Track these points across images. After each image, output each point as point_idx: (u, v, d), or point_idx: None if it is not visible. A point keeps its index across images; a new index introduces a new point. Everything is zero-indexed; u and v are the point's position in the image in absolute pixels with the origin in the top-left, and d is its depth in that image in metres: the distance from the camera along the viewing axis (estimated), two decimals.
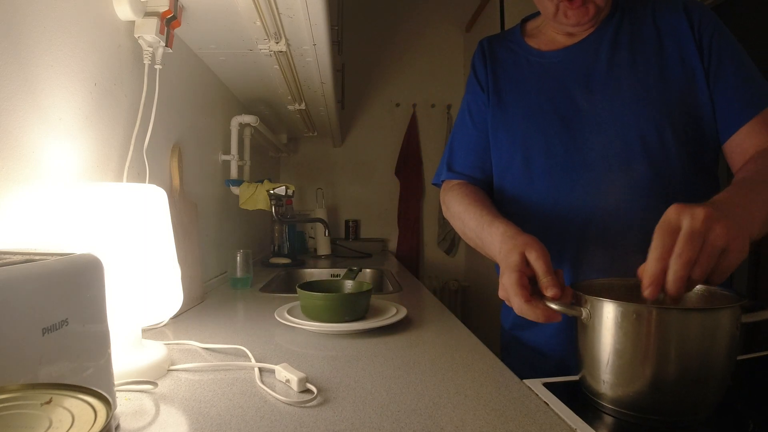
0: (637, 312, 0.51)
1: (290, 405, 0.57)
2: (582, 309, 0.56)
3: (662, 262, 0.49)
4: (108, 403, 0.30)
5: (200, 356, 0.75)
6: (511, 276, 0.60)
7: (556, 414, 0.54)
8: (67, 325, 0.41)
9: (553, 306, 0.57)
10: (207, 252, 1.40)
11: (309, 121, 2.14)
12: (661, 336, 0.50)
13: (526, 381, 0.64)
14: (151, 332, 0.87)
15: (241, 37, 1.19)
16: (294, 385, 0.61)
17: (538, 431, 0.51)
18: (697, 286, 0.52)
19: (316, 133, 2.47)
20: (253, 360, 0.72)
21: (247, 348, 0.76)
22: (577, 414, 0.53)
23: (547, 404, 0.57)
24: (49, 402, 0.30)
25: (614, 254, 0.75)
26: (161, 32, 0.90)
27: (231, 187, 1.63)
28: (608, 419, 0.55)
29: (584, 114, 0.78)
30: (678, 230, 0.49)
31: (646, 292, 0.50)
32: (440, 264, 2.95)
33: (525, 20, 0.93)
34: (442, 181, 0.95)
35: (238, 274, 1.38)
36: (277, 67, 1.38)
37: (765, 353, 0.73)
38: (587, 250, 0.77)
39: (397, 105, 2.94)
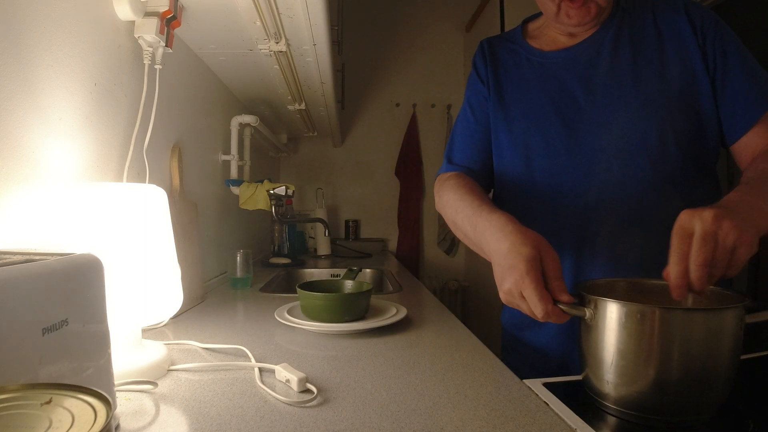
0: (641, 312, 0.51)
1: (290, 405, 0.57)
2: (586, 309, 0.56)
3: (683, 264, 0.52)
4: (108, 403, 0.30)
5: (200, 356, 0.75)
6: (531, 274, 0.58)
7: (556, 414, 0.54)
8: (67, 325, 0.41)
9: (560, 307, 0.57)
10: (207, 252, 1.40)
11: (309, 121, 2.13)
12: (665, 336, 0.50)
13: (526, 381, 0.64)
14: (151, 332, 0.87)
15: (241, 37, 1.19)
16: (294, 385, 0.61)
17: (538, 431, 0.51)
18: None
19: (316, 133, 2.47)
20: (253, 360, 0.72)
21: (247, 348, 0.76)
22: (577, 414, 0.53)
23: (547, 404, 0.57)
24: (49, 402, 0.30)
25: (615, 253, 0.76)
26: (161, 32, 0.90)
27: (231, 187, 1.63)
28: (608, 419, 0.55)
29: (585, 114, 0.78)
30: (691, 233, 0.52)
31: (675, 293, 0.53)
32: (440, 264, 2.95)
33: (526, 21, 0.93)
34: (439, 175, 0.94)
35: (238, 274, 1.38)
36: (277, 67, 1.38)
37: (765, 353, 0.73)
38: (588, 249, 0.77)
39: (397, 105, 2.94)
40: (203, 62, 1.36)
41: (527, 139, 0.83)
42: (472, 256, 2.84)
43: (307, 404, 0.57)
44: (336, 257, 2.37)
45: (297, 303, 1.04)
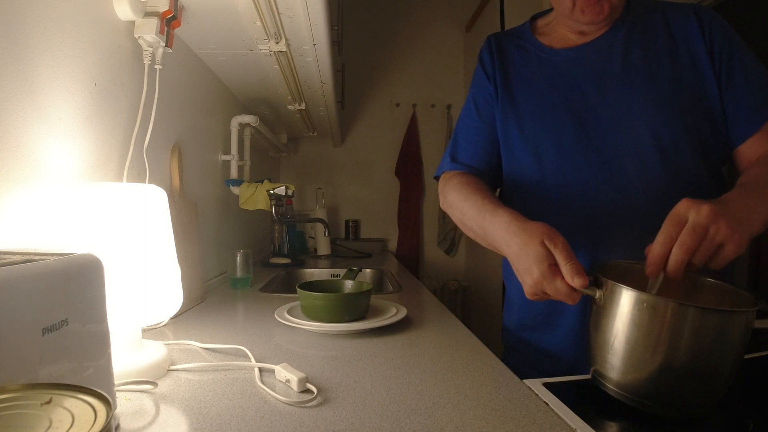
0: (655, 303, 0.52)
1: (290, 405, 0.57)
2: (597, 290, 0.57)
3: (666, 247, 0.54)
4: (108, 403, 0.30)
5: (200, 356, 0.75)
6: (542, 269, 0.60)
7: (556, 414, 0.54)
8: (67, 325, 0.41)
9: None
10: (207, 252, 1.40)
11: (309, 121, 2.14)
12: (675, 330, 0.51)
13: (526, 381, 0.64)
14: (151, 332, 0.87)
15: (241, 37, 1.19)
16: (294, 385, 0.61)
17: (538, 431, 0.51)
18: (716, 282, 0.60)
19: (316, 133, 2.47)
20: (253, 360, 0.72)
21: (247, 348, 0.76)
22: (577, 414, 0.53)
23: (547, 404, 0.57)
24: (49, 402, 0.30)
25: (628, 252, 0.75)
26: (161, 32, 0.90)
27: (231, 187, 1.63)
28: (609, 419, 0.55)
29: (597, 112, 0.78)
30: (685, 222, 0.54)
31: (648, 270, 0.56)
32: (440, 264, 2.95)
33: (534, 17, 0.92)
34: (442, 173, 0.93)
35: (238, 274, 1.38)
36: (277, 67, 1.38)
37: (765, 353, 0.73)
38: (600, 248, 0.77)
39: (397, 105, 2.94)
40: (203, 62, 1.36)
41: (538, 137, 0.82)
42: (472, 256, 2.85)
43: (307, 404, 0.57)
44: (336, 257, 2.37)
45: (297, 303, 1.04)
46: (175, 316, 0.98)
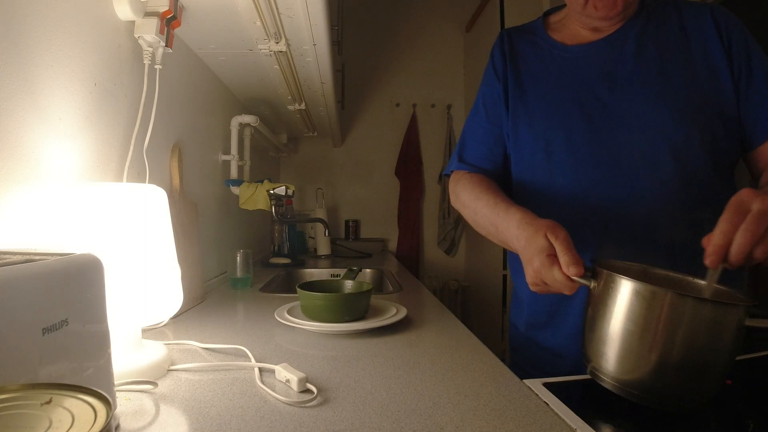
0: (651, 293, 0.52)
1: (290, 405, 0.57)
2: (592, 281, 0.57)
3: (728, 236, 0.52)
4: (108, 403, 0.30)
5: (200, 356, 0.75)
6: (541, 259, 0.62)
7: (556, 414, 0.54)
8: (67, 325, 0.41)
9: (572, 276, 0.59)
10: (207, 252, 1.40)
11: (309, 121, 2.14)
12: (670, 320, 0.51)
13: (526, 381, 0.64)
14: (151, 332, 0.87)
15: (241, 37, 1.19)
16: (294, 385, 0.61)
17: (538, 431, 0.51)
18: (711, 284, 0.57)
19: (316, 133, 2.47)
20: (253, 360, 0.72)
21: (247, 348, 0.76)
22: (577, 414, 0.53)
23: (547, 404, 0.57)
24: (49, 402, 0.30)
25: (637, 252, 0.74)
26: (161, 32, 0.90)
27: (231, 187, 1.63)
28: (609, 420, 0.55)
29: (608, 110, 0.78)
30: (748, 211, 0.53)
31: (708, 260, 0.54)
32: (440, 264, 2.95)
33: (547, 13, 0.92)
34: (452, 171, 0.95)
35: (238, 274, 1.38)
36: (277, 67, 1.38)
37: (765, 353, 0.73)
38: (610, 247, 0.76)
39: (397, 105, 2.94)
40: (203, 62, 1.36)
41: (548, 134, 0.82)
42: (472, 256, 2.85)
43: (307, 404, 0.57)
44: (336, 257, 2.37)
45: (297, 303, 1.04)
46: (175, 316, 0.98)
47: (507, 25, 2.20)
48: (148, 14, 0.88)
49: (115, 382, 0.52)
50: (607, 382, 0.56)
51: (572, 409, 0.54)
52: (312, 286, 1.02)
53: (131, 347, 0.66)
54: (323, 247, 2.41)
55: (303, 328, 0.90)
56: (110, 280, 0.49)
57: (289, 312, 0.97)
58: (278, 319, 0.93)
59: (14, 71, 0.59)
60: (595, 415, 0.54)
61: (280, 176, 2.86)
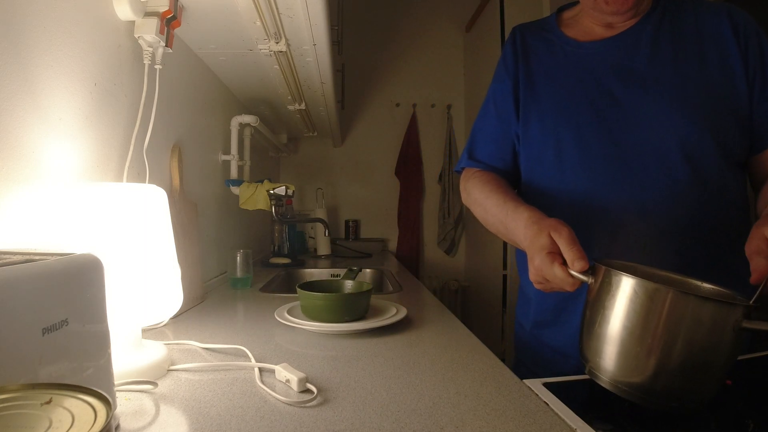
0: (652, 290, 0.51)
1: (290, 405, 0.57)
2: (590, 277, 0.57)
3: None
4: (108, 403, 0.30)
5: (200, 356, 0.75)
6: (542, 256, 0.62)
7: (556, 414, 0.54)
8: (67, 325, 0.41)
9: (570, 272, 0.59)
10: (207, 252, 1.40)
11: (309, 121, 2.14)
12: (670, 318, 0.50)
13: (526, 381, 0.64)
14: (151, 332, 0.87)
15: (241, 37, 1.19)
16: (294, 385, 0.61)
17: (538, 431, 0.51)
18: (713, 288, 0.58)
19: (316, 133, 2.47)
20: (253, 360, 0.72)
21: (247, 348, 0.76)
22: (577, 414, 0.53)
23: (547, 404, 0.57)
24: (49, 402, 0.30)
25: (647, 251, 0.74)
26: (161, 32, 0.90)
27: (231, 187, 1.63)
28: (609, 419, 0.55)
29: (620, 107, 0.77)
30: None
31: (753, 277, 0.55)
32: (440, 264, 2.95)
33: (561, 9, 0.92)
34: (463, 168, 0.95)
35: (238, 274, 1.38)
36: (277, 67, 1.38)
37: (765, 353, 0.73)
38: (619, 246, 0.76)
39: (397, 105, 2.94)
40: (203, 62, 1.36)
41: (559, 131, 0.82)
42: (472, 256, 2.85)
43: (307, 404, 0.57)
44: (336, 257, 2.37)
45: (297, 303, 1.04)
46: (175, 316, 0.98)
47: (507, 25, 2.20)
48: (148, 14, 0.88)
49: (115, 382, 0.52)
50: (606, 382, 0.55)
51: (572, 409, 0.54)
52: (312, 286, 1.02)
53: (131, 347, 0.66)
54: (323, 247, 2.41)
55: (303, 328, 0.90)
56: (110, 280, 0.49)
57: (289, 312, 0.97)
58: (278, 319, 0.93)
59: (14, 71, 0.59)
60: (595, 415, 0.55)
61: (280, 176, 2.86)
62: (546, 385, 0.62)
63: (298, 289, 0.97)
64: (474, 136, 0.95)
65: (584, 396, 0.62)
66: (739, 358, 0.71)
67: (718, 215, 0.74)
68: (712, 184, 0.74)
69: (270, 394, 0.60)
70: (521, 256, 0.87)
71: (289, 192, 1.70)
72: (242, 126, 1.65)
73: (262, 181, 1.70)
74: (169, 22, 0.93)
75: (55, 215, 0.63)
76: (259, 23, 1.09)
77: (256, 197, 1.67)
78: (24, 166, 0.61)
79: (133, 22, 0.88)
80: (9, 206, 0.58)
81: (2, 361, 0.35)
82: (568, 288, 0.61)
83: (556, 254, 0.61)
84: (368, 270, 1.87)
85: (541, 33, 0.90)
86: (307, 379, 0.62)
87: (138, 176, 0.92)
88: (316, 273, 1.88)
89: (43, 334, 0.39)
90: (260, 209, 1.70)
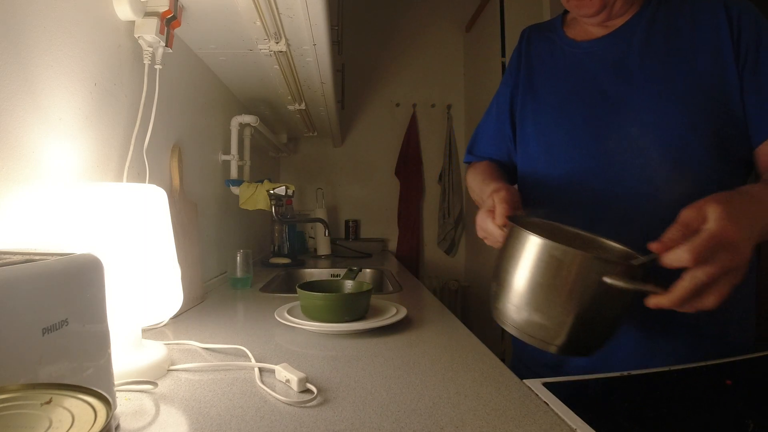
0: (536, 243, 0.58)
1: (290, 405, 0.57)
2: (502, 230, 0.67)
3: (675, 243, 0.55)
4: (108, 403, 0.30)
5: (200, 356, 0.75)
6: (482, 213, 0.72)
7: (556, 414, 0.54)
8: (67, 325, 0.41)
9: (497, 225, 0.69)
10: (207, 252, 1.40)
11: (309, 121, 2.14)
12: (548, 268, 0.57)
13: (526, 381, 0.64)
14: (151, 332, 0.87)
15: (241, 37, 1.19)
16: (294, 385, 0.61)
17: (538, 431, 0.51)
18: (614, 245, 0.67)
19: (316, 133, 2.47)
20: (253, 360, 0.72)
21: (247, 348, 0.76)
22: (577, 414, 0.53)
23: (547, 404, 0.57)
24: (49, 402, 0.30)
25: (632, 242, 0.74)
26: (161, 32, 0.90)
27: (231, 187, 1.63)
28: (608, 419, 0.55)
29: (609, 102, 0.78)
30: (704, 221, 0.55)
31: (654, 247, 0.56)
32: (440, 264, 2.95)
33: (567, 10, 0.92)
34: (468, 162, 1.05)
35: (238, 274, 1.38)
36: (277, 67, 1.38)
37: (765, 353, 0.73)
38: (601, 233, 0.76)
39: (397, 105, 2.94)
40: (203, 62, 1.36)
41: (550, 130, 0.84)
42: (472, 256, 2.85)
43: (307, 404, 0.57)
44: (336, 257, 2.37)
45: (297, 303, 1.04)
46: (175, 316, 0.98)
47: (507, 25, 2.19)
48: (148, 14, 0.88)
49: (115, 382, 0.52)
50: (509, 326, 0.63)
51: (572, 409, 0.54)
52: (312, 286, 1.02)
53: (131, 347, 0.66)
54: (323, 247, 2.41)
55: (303, 328, 0.90)
56: (110, 280, 0.49)
57: (289, 312, 0.97)
58: (278, 319, 0.93)
59: (14, 71, 0.59)
60: (595, 415, 0.54)
61: (280, 176, 2.86)
62: (546, 385, 0.62)
63: (298, 289, 0.97)
64: (476, 134, 1.02)
65: (584, 396, 0.62)
66: (739, 358, 0.72)
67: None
68: (697, 176, 0.73)
69: (270, 394, 0.60)
70: None
71: (289, 192, 1.70)
72: (242, 126, 1.65)
73: (262, 181, 1.70)
74: (169, 22, 0.93)
75: (55, 215, 0.63)
76: (259, 23, 1.09)
77: (256, 197, 1.67)
78: (24, 166, 0.61)
79: (133, 22, 0.88)
80: (9, 206, 0.58)
81: (2, 361, 0.35)
82: (499, 239, 0.68)
83: (493, 212, 0.70)
84: (368, 270, 1.87)
85: (546, 34, 0.91)
86: (307, 379, 0.62)
87: (138, 176, 0.92)
88: (316, 273, 1.88)
89: (43, 334, 0.39)
90: (260, 209, 1.70)
